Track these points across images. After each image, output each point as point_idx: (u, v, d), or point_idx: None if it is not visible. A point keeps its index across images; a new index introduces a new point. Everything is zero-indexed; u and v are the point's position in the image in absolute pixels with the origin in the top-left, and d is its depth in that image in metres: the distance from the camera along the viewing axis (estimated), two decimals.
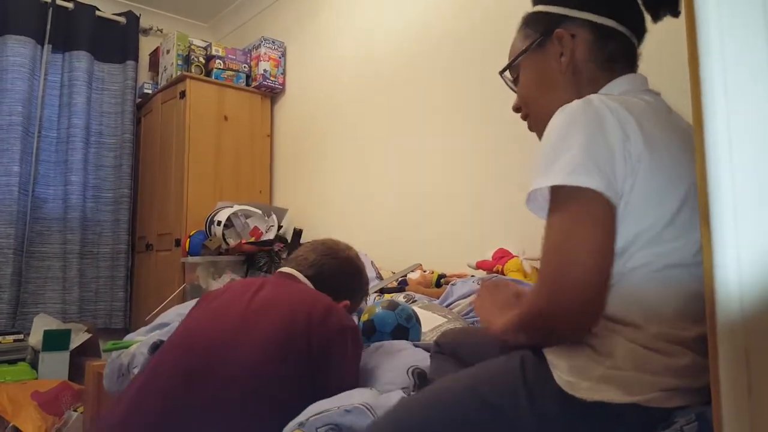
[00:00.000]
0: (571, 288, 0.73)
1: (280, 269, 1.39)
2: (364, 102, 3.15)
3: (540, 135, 0.92)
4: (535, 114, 1.00)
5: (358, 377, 1.24)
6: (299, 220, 3.48)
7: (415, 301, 2.04)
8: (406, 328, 1.53)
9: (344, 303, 1.37)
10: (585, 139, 0.75)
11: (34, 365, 3.05)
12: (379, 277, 2.53)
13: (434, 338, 1.59)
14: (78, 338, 3.24)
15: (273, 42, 3.73)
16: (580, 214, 0.74)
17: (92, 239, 3.71)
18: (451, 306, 1.98)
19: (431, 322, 1.70)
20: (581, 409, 0.72)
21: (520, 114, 1.05)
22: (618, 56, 0.92)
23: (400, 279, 2.42)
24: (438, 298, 2.11)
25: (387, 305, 1.58)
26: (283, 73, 3.79)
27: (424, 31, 2.81)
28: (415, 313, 1.60)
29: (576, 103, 0.80)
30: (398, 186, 2.89)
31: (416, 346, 1.40)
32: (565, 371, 0.75)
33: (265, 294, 1.24)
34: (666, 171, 0.77)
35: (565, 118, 0.79)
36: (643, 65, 0.98)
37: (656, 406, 0.70)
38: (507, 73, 1.05)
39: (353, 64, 3.24)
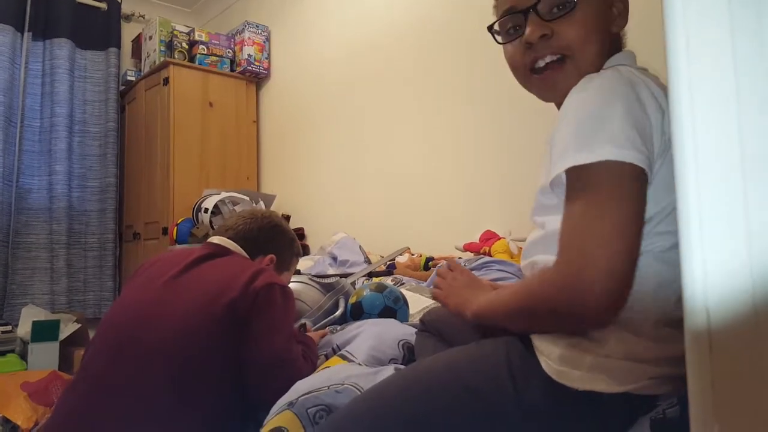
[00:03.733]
0: (599, 277, 0.67)
1: (208, 239, 1.43)
2: (351, 86, 3.14)
3: (549, 89, 0.89)
4: (579, 58, 0.85)
5: (292, 334, 1.25)
6: (287, 206, 3.48)
7: (403, 284, 2.05)
8: (393, 309, 1.55)
9: (270, 257, 1.42)
10: (625, 111, 0.70)
11: (23, 356, 3.04)
12: (368, 261, 2.54)
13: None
14: (67, 328, 3.22)
15: (257, 26, 3.69)
16: (614, 190, 0.69)
17: (79, 229, 3.69)
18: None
19: (419, 303, 1.72)
20: (569, 397, 0.70)
21: (534, 46, 0.87)
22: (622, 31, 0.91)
23: (388, 263, 2.43)
24: (426, 281, 2.13)
25: (375, 288, 1.59)
26: (268, 58, 3.76)
27: (409, 14, 2.79)
28: (403, 296, 1.61)
29: (607, 72, 0.76)
30: (385, 170, 2.89)
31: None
32: (555, 359, 0.72)
33: (193, 268, 1.27)
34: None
35: (599, 86, 0.74)
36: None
37: (646, 393, 0.69)
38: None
39: (338, 48, 3.22)
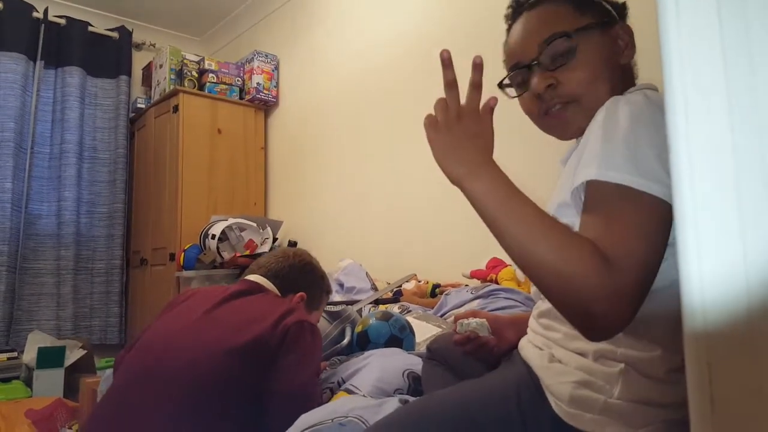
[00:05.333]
0: (632, 290, 0.63)
1: (244, 276, 1.48)
2: (357, 114, 3.16)
3: (564, 129, 0.90)
4: (588, 99, 0.85)
5: (319, 372, 1.29)
6: (294, 232, 3.48)
7: (410, 311, 2.04)
8: (399, 338, 1.54)
9: (300, 295, 1.44)
10: (653, 138, 0.68)
11: (28, 383, 3.02)
12: (374, 288, 2.52)
13: None
14: (73, 355, 3.21)
15: (266, 56, 3.74)
16: (643, 211, 0.66)
17: (86, 255, 3.70)
18: (445, 316, 1.98)
19: (426, 332, 1.70)
20: None
21: (542, 96, 0.89)
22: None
23: (395, 289, 2.42)
24: (433, 308, 2.11)
25: (381, 316, 1.59)
26: (277, 86, 3.80)
27: (417, 43, 2.82)
28: (409, 324, 1.60)
29: (638, 96, 0.74)
30: (392, 197, 2.89)
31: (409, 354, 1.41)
32: (566, 401, 0.71)
33: (227, 303, 1.32)
34: None
35: (631, 110, 0.72)
36: None
37: None
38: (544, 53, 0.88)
39: (346, 77, 3.25)
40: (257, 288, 1.40)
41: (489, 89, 0.86)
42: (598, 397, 0.70)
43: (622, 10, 0.92)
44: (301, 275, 1.49)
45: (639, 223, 0.66)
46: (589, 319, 0.64)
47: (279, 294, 1.42)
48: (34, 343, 3.15)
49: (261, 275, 1.45)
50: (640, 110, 0.71)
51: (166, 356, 1.19)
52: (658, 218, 0.66)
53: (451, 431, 0.76)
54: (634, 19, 0.94)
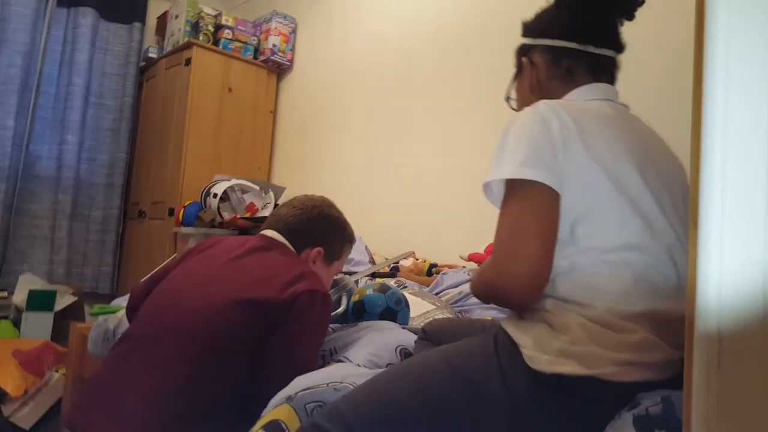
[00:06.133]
0: (517, 270, 0.82)
1: (262, 231, 1.44)
2: (370, 86, 3.12)
3: None
4: None
5: (321, 342, 1.28)
6: None
7: (406, 287, 2.04)
8: (395, 311, 1.54)
9: (317, 250, 1.42)
10: (530, 138, 0.86)
11: (16, 324, 3.02)
12: (372, 262, 2.52)
13: (422, 323, 1.59)
14: (63, 300, 3.21)
15: (285, 17, 3.67)
16: (527, 204, 0.84)
17: (84, 201, 3.66)
18: (440, 294, 1.98)
19: (420, 307, 1.71)
20: (545, 383, 0.77)
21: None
22: (575, 69, 1.04)
23: (392, 265, 2.42)
24: (428, 286, 2.12)
25: (378, 287, 1.59)
26: (292, 50, 3.74)
27: (435, 19, 2.77)
28: (405, 298, 1.61)
29: (525, 109, 0.92)
30: (397, 175, 2.87)
31: (404, 329, 1.42)
32: (529, 347, 0.81)
33: (243, 258, 1.30)
34: (601, 164, 0.86)
35: (515, 122, 0.91)
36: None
37: (614, 380, 0.75)
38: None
39: (363, 48, 3.20)
40: (273, 244, 1.37)
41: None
42: (554, 341, 0.79)
43: (525, 50, 1.11)
44: (319, 229, 1.44)
45: (517, 212, 0.85)
46: (512, 302, 0.88)
47: (294, 251, 1.39)
48: (26, 285, 3.14)
49: (277, 230, 1.41)
50: (521, 120, 0.90)
51: (178, 306, 1.19)
52: (539, 198, 0.84)
53: (439, 384, 0.83)
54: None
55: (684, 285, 0.81)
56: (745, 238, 0.40)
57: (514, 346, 0.83)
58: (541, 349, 0.80)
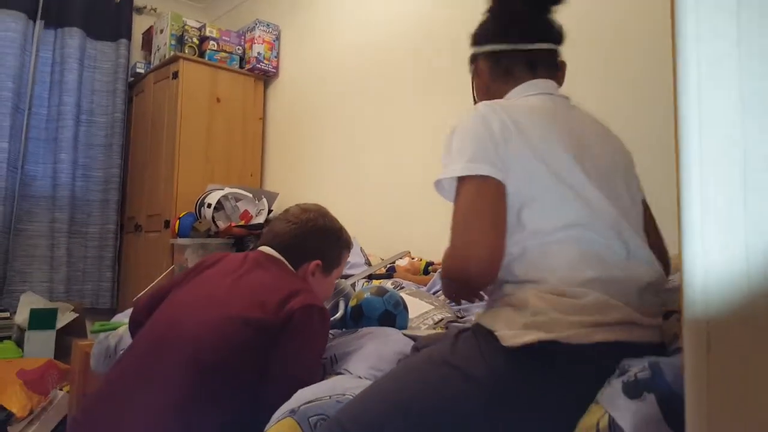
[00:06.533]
0: (476, 252, 0.90)
1: (260, 248, 1.45)
2: (357, 88, 3.14)
3: None
4: None
5: (322, 355, 1.29)
6: (289, 204, 3.45)
7: (403, 287, 2.05)
8: (393, 314, 1.54)
9: (315, 263, 1.43)
10: (472, 137, 0.95)
11: (19, 343, 3.04)
12: (368, 263, 2.54)
13: (420, 325, 1.62)
14: (64, 317, 3.22)
15: (267, 25, 3.70)
16: (477, 195, 0.92)
17: (81, 218, 3.69)
18: (437, 293, 1.99)
19: (418, 308, 1.72)
20: (519, 357, 0.83)
21: None
22: (513, 68, 1.11)
23: (388, 266, 2.43)
24: (425, 286, 2.13)
25: (375, 291, 1.59)
26: (277, 57, 3.77)
27: (419, 20, 2.80)
28: (403, 300, 1.61)
29: (467, 112, 1.00)
30: (389, 173, 2.90)
31: (403, 334, 1.41)
32: (499, 327, 0.87)
33: (242, 274, 1.32)
34: (538, 156, 0.93)
35: (460, 123, 0.99)
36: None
37: (576, 342, 0.81)
38: None
39: (348, 50, 3.22)
40: (270, 261, 1.39)
41: None
42: (519, 317, 0.87)
43: (472, 58, 1.20)
44: (315, 243, 1.45)
45: (467, 205, 0.92)
46: (471, 283, 0.95)
47: (291, 268, 1.40)
48: (27, 305, 3.16)
49: (274, 247, 1.43)
50: (464, 122, 0.98)
51: (180, 325, 1.21)
52: (486, 190, 0.91)
53: (434, 376, 0.88)
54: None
55: (634, 257, 0.91)
56: (724, 223, 0.41)
57: (490, 333, 0.88)
58: (508, 327, 0.86)
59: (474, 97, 1.24)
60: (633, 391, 0.73)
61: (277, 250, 1.42)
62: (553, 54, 1.13)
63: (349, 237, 1.56)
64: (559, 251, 0.90)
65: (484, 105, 0.99)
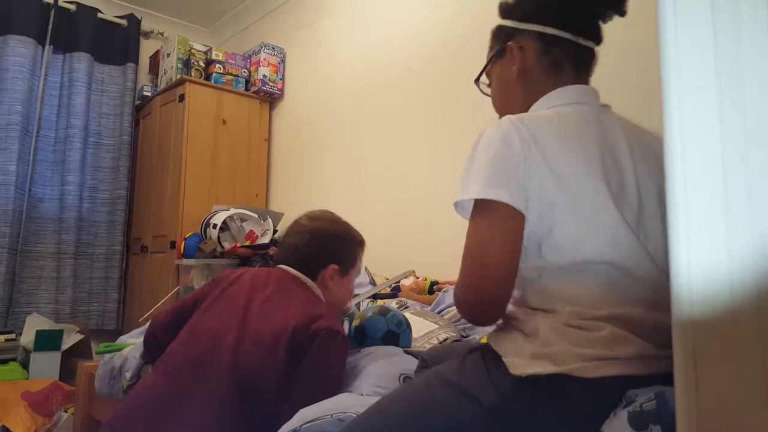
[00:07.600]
0: (491, 272, 0.85)
1: (279, 265, 1.47)
2: (362, 110, 3.17)
3: None
4: (498, 113, 1.11)
5: (343, 379, 1.28)
6: None
7: (408, 307, 2.05)
8: (396, 333, 1.54)
9: (331, 269, 1.45)
10: (492, 159, 0.87)
11: (25, 365, 3.04)
12: (373, 283, 2.53)
13: (424, 345, 1.61)
14: (70, 339, 3.23)
15: (273, 48, 3.75)
16: (491, 223, 0.87)
17: (87, 240, 3.71)
18: (442, 313, 1.98)
19: (422, 328, 1.71)
20: (526, 386, 0.80)
21: None
22: (563, 61, 1.00)
23: (393, 285, 2.43)
24: (430, 305, 2.12)
25: (378, 311, 1.59)
26: (282, 79, 3.81)
27: (422, 41, 2.83)
28: (406, 319, 1.60)
29: (490, 127, 0.92)
30: (394, 193, 2.90)
31: (406, 352, 1.42)
32: (508, 354, 0.85)
33: (268, 294, 1.34)
34: (559, 180, 0.87)
35: (481, 139, 0.92)
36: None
37: (585, 376, 0.77)
38: (484, 78, 1.16)
39: (352, 72, 3.26)
40: (290, 278, 1.41)
41: None
42: (528, 346, 0.84)
43: (510, 34, 1.05)
44: (329, 249, 1.48)
45: (481, 231, 0.87)
46: (483, 317, 0.90)
47: (309, 283, 1.43)
48: (32, 326, 3.17)
49: (291, 264, 1.45)
50: (485, 139, 0.90)
51: (213, 347, 1.23)
52: (502, 219, 0.86)
53: (441, 397, 0.87)
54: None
55: (658, 293, 0.85)
56: (707, 228, 0.42)
57: (498, 357, 0.86)
58: (517, 355, 0.84)
59: (487, 76, 1.12)
60: (639, 422, 0.72)
61: (295, 267, 1.44)
62: (595, 57, 1.03)
63: (360, 236, 1.60)
64: (576, 285, 0.86)
65: (507, 120, 0.91)
